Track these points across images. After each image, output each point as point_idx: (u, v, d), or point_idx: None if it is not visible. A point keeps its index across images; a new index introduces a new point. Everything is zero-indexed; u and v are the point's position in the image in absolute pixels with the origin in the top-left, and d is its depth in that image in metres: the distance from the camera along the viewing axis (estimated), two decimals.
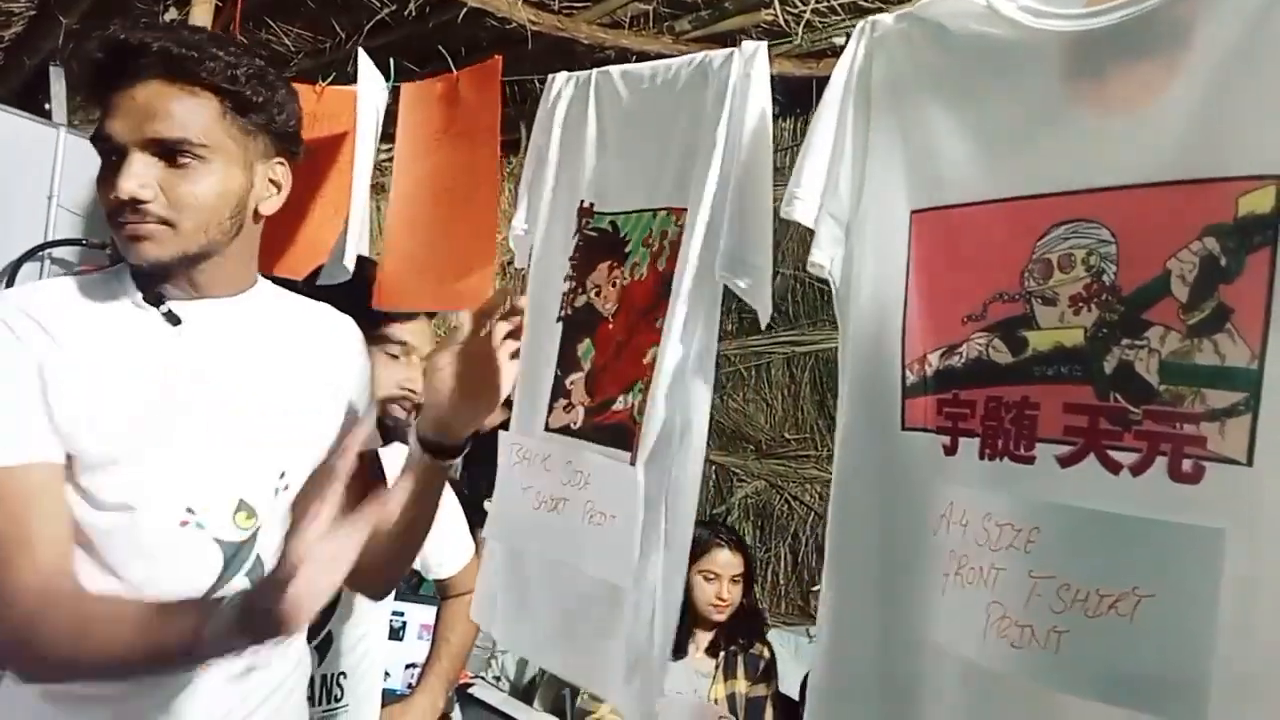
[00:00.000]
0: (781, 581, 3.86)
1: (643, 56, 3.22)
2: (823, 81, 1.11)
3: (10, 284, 2.19)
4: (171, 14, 3.18)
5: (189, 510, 1.09)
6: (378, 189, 2.68)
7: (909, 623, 1.01)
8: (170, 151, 1.04)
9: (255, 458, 1.15)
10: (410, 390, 1.53)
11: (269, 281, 1.26)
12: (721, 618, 2.56)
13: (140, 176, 1.02)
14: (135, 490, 1.07)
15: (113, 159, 1.04)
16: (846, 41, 1.09)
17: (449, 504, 1.66)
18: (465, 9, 2.92)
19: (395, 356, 1.56)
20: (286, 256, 1.75)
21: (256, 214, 1.15)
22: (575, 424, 1.15)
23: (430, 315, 1.59)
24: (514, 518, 1.20)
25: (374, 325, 1.49)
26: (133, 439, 1.07)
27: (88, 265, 2.37)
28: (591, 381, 1.16)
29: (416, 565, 1.74)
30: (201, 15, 2.52)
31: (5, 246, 2.30)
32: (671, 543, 1.14)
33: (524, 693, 2.73)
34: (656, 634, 1.16)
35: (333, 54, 3.55)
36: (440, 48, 2.76)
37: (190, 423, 1.10)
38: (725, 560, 2.59)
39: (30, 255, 2.35)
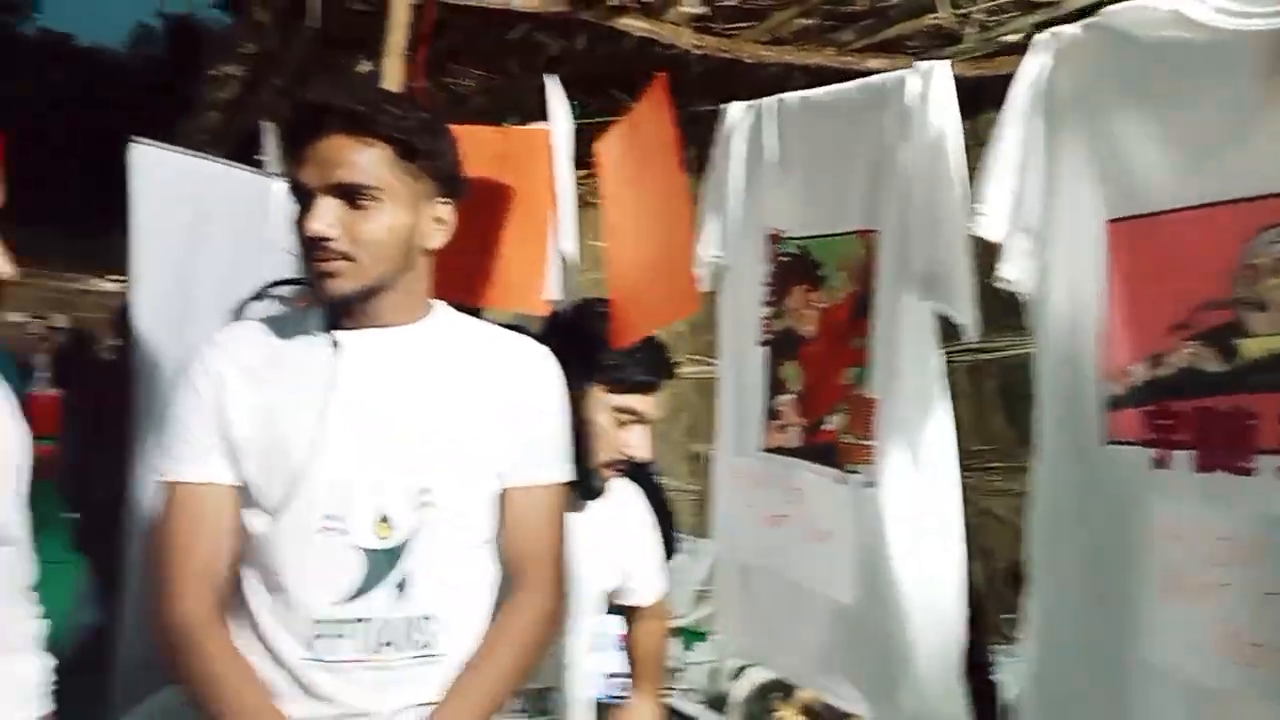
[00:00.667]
0: (975, 598, 3.73)
1: (806, 71, 3.23)
2: (995, 82, 1.10)
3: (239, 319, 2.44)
4: (365, 66, 3.45)
5: (331, 518, 1.21)
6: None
7: (1120, 641, 0.99)
8: (350, 194, 1.17)
9: (397, 474, 1.24)
10: (633, 458, 1.53)
11: (454, 312, 1.35)
12: None
13: (326, 217, 1.16)
14: (286, 501, 1.21)
15: (304, 203, 1.19)
16: (1018, 39, 1.08)
17: (648, 531, 1.65)
18: (632, 39, 3.01)
19: (624, 424, 1.58)
20: (501, 291, 1.87)
21: (425, 250, 1.26)
22: (790, 444, 1.18)
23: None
24: (739, 533, 1.24)
25: (615, 390, 1.54)
26: (289, 454, 1.22)
27: (303, 301, 2.58)
28: (802, 402, 1.19)
29: (608, 584, 1.72)
30: (392, 67, 2.72)
31: (237, 287, 2.52)
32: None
33: (716, 704, 2.77)
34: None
35: (507, 91, 3.74)
36: (611, 83, 2.87)
37: (338, 439, 1.22)
38: None
39: (257, 296, 2.57)
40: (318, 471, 1.21)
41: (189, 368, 1.27)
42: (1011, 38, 2.76)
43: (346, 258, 1.18)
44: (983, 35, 2.89)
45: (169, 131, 5.05)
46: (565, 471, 1.37)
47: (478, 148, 2.02)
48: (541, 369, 1.37)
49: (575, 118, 1.81)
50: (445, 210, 1.27)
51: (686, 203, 1.45)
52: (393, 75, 2.68)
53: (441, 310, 1.34)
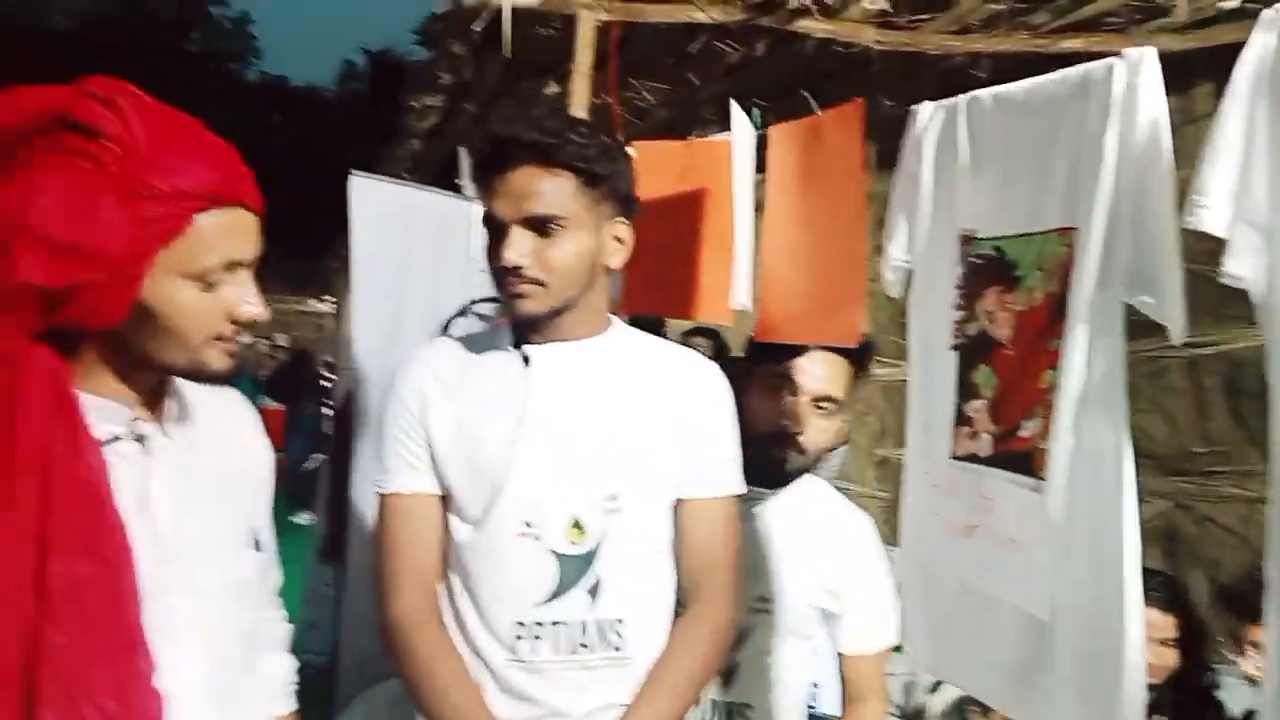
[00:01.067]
0: (1199, 614, 3.43)
1: (996, 59, 3.10)
2: (1206, 54, 1.02)
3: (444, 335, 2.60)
4: (553, 88, 3.60)
5: (526, 524, 1.28)
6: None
7: None
8: (540, 224, 1.24)
9: (587, 480, 1.30)
10: (841, 443, 1.54)
11: (627, 327, 1.42)
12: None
13: (519, 248, 1.24)
14: (485, 508, 1.29)
15: (496, 233, 1.26)
16: (1232, 6, 1.00)
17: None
18: (813, 40, 2.99)
19: (824, 409, 1.55)
20: (688, 302, 1.92)
21: (605, 268, 1.33)
22: (982, 451, 1.15)
23: (849, 360, 1.55)
24: (926, 544, 1.22)
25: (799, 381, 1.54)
26: (487, 463, 1.29)
27: (502, 319, 2.72)
28: (995, 408, 1.15)
29: (817, 600, 1.63)
30: (580, 87, 2.82)
31: (442, 304, 2.68)
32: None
33: (913, 718, 2.70)
34: (1111, 674, 1.10)
35: (689, 102, 3.79)
36: (793, 86, 2.85)
37: (533, 448, 1.29)
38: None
39: (460, 313, 2.73)
40: (514, 480, 1.28)
41: (395, 384, 1.38)
42: (1228, 4, 2.54)
43: (537, 283, 1.25)
44: (1195, 4, 2.68)
45: (374, 160, 5.45)
46: (737, 484, 1.40)
47: (663, 162, 2.08)
48: (712, 384, 1.40)
49: (758, 126, 1.83)
50: (624, 229, 1.33)
51: (860, 232, 1.44)
52: (580, 95, 2.79)
53: (618, 325, 1.41)
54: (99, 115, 0.90)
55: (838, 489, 1.66)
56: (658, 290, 2.03)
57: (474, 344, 1.40)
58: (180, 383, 1.08)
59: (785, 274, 1.63)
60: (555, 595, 1.27)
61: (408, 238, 2.49)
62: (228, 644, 1.08)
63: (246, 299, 1.01)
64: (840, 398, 1.51)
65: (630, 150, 2.04)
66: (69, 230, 0.88)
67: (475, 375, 1.35)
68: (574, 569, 1.28)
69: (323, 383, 8.39)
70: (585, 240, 1.27)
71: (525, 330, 1.33)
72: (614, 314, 1.46)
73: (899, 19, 3.02)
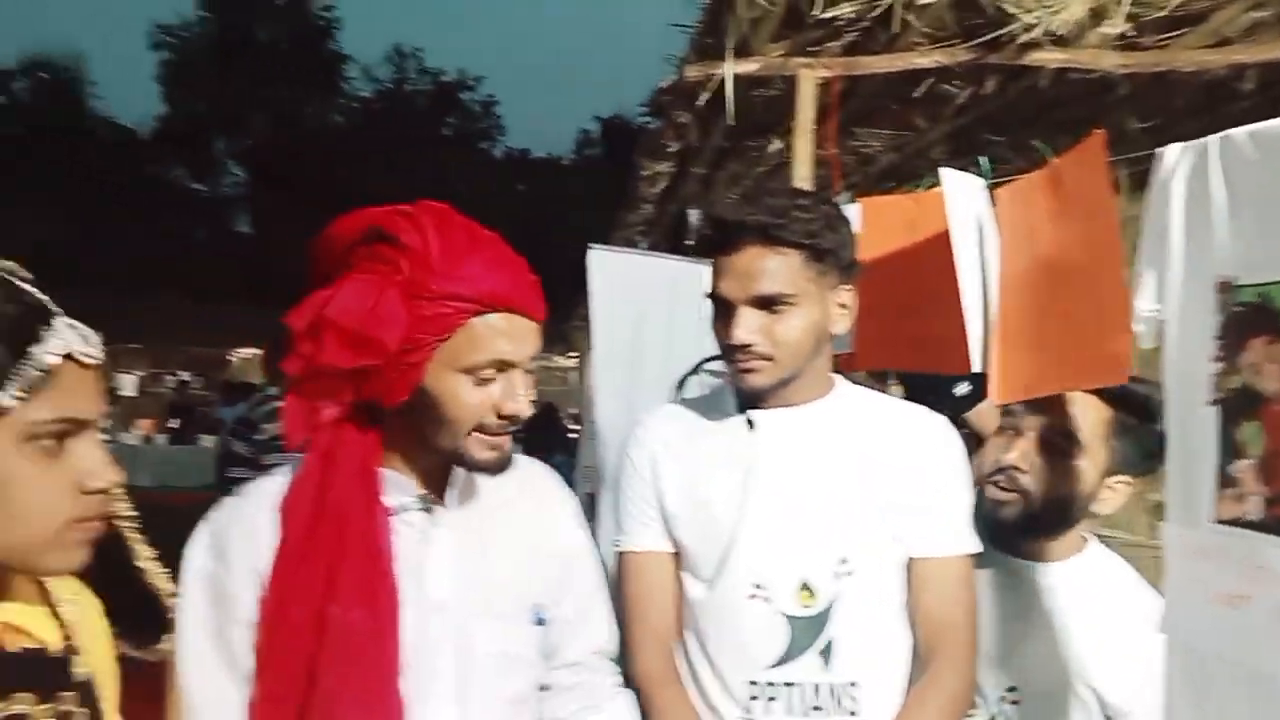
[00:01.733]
0: None
1: (1264, 70, 2.83)
2: None
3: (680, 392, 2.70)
4: (775, 144, 3.66)
5: (757, 586, 1.30)
6: None
7: None
8: (768, 303, 1.28)
9: (817, 543, 1.31)
10: (1016, 469, 1.42)
11: (853, 386, 1.43)
12: None
13: (747, 326, 1.28)
14: (717, 568, 1.32)
15: (724, 309, 1.31)
16: None
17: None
18: (1047, 72, 2.86)
19: (1002, 429, 1.49)
20: (924, 355, 1.89)
21: (830, 335, 1.35)
22: (1251, 514, 1.06)
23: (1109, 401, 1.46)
24: (1188, 614, 1.13)
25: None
26: (717, 525, 1.32)
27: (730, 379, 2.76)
28: (1265, 468, 1.05)
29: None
30: (802, 143, 2.85)
31: (676, 362, 2.78)
32: None
33: None
34: None
35: (916, 146, 3.72)
36: (1026, 123, 2.75)
37: (760, 511, 1.32)
38: None
39: (692, 371, 2.82)
40: (742, 542, 1.31)
41: (627, 448, 1.46)
42: None
43: (766, 358, 1.29)
44: None
45: (610, 222, 5.73)
46: (972, 543, 1.37)
47: (890, 216, 2.07)
48: (941, 439, 1.39)
49: (988, 175, 1.78)
50: (847, 295, 1.36)
51: (1116, 265, 1.37)
52: (803, 151, 2.83)
53: (842, 385, 1.42)
54: (401, 228, 1.05)
55: (1102, 539, 1.55)
56: (891, 346, 2.01)
57: (701, 407, 1.46)
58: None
59: (1025, 327, 1.57)
60: (786, 657, 1.29)
61: (643, 301, 2.63)
62: (488, 707, 1.15)
63: (512, 396, 1.11)
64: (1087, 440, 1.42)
65: (854, 207, 2.05)
66: (355, 321, 1.03)
67: (702, 439, 1.40)
68: (805, 631, 1.29)
69: (569, 435, 8.81)
70: (812, 313, 1.30)
71: (750, 398, 1.37)
72: (845, 371, 1.48)
73: (1144, 39, 2.84)
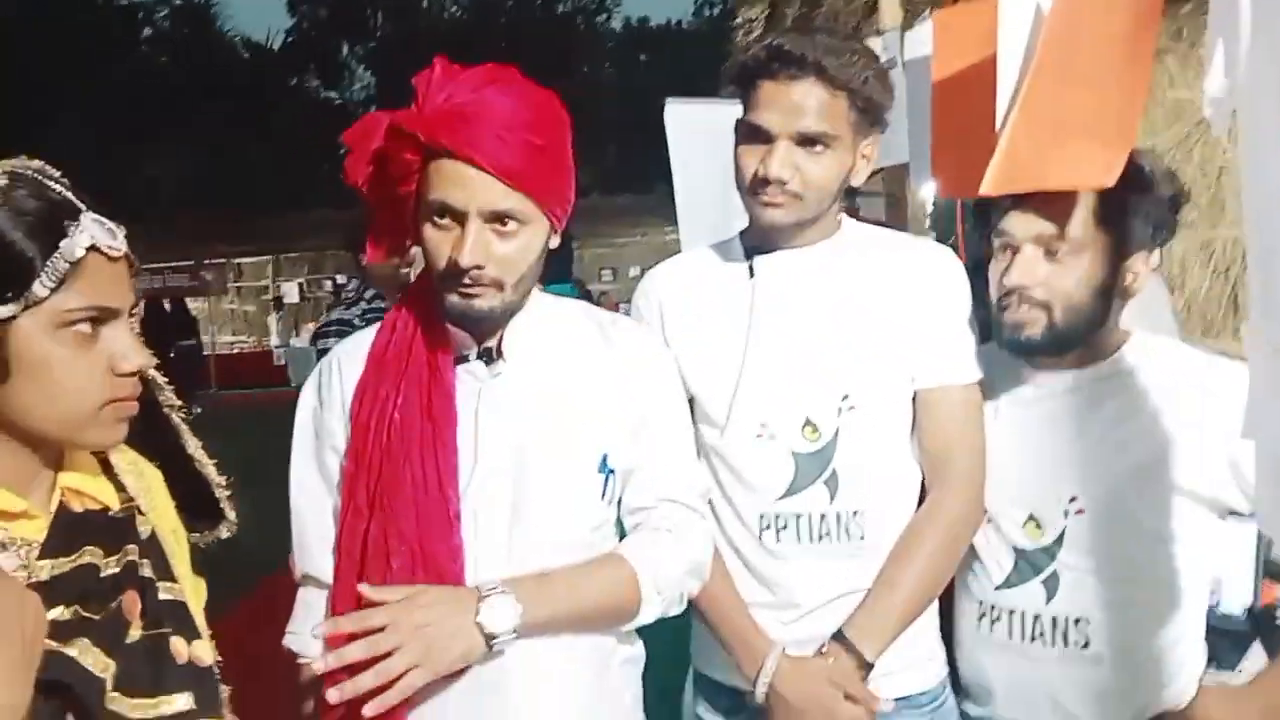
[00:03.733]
0: None
1: None
2: None
3: None
4: None
5: (762, 425, 1.34)
6: None
7: None
8: (808, 141, 1.28)
9: (819, 381, 1.33)
10: (1023, 287, 1.31)
11: (858, 225, 1.43)
12: None
13: (783, 160, 1.28)
14: (723, 412, 1.35)
15: (755, 140, 1.31)
16: None
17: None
18: None
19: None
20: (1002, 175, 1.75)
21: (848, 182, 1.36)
22: None
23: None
24: (1273, 414, 1.03)
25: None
26: (720, 371, 1.35)
27: None
28: None
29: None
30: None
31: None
32: None
33: None
34: None
35: None
36: None
37: (763, 354, 1.34)
38: None
39: None
40: (745, 386, 1.34)
41: (635, 300, 1.50)
42: None
43: (795, 196, 1.30)
44: None
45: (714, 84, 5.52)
46: (976, 371, 1.36)
47: (970, 29, 1.89)
48: (946, 269, 1.38)
49: None
50: (871, 149, 1.37)
51: (1149, 47, 1.24)
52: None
53: (848, 225, 1.42)
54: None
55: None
56: (973, 169, 1.88)
57: (707, 255, 1.47)
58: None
59: (1041, 118, 1.41)
60: (792, 490, 1.33)
61: (723, 149, 2.54)
62: (539, 544, 1.19)
63: (459, 248, 1.12)
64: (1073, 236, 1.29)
65: (926, 25, 1.89)
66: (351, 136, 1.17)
67: (705, 287, 1.42)
68: (810, 465, 1.33)
69: None
70: (845, 159, 1.32)
71: (758, 238, 1.39)
72: (933, 201, 1.47)
73: None
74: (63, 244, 0.82)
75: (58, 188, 0.85)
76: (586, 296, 3.73)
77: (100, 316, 0.85)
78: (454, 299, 1.15)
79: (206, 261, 16.17)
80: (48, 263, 0.81)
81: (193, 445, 1.06)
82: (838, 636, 1.31)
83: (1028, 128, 1.40)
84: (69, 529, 0.89)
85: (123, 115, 22.71)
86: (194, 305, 15.56)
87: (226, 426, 4.63)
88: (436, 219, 1.12)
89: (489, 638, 1.08)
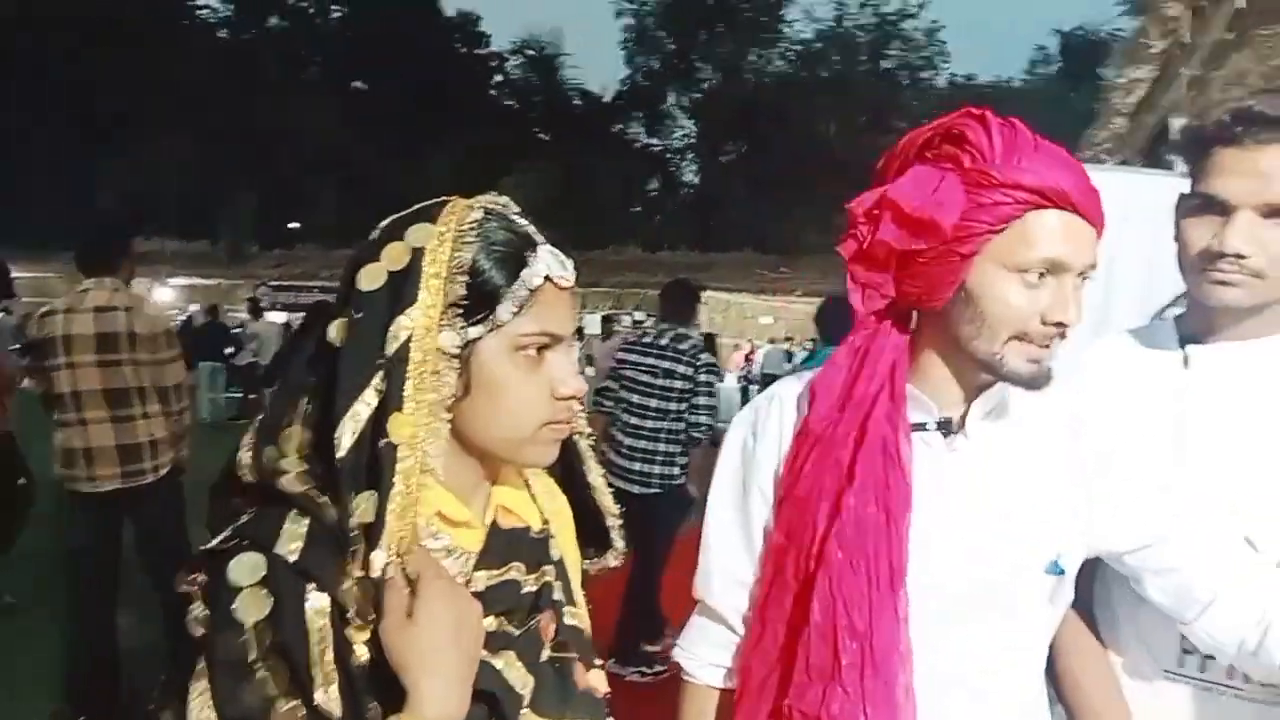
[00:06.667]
0: None
1: None
2: None
3: None
4: None
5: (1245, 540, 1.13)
6: None
7: None
8: (1277, 213, 1.11)
9: (1257, 493, 1.15)
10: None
11: None
12: None
13: (1246, 233, 1.11)
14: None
15: (1208, 211, 1.14)
16: None
17: None
18: None
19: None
20: None
21: None
22: None
23: None
24: None
25: None
26: (1145, 470, 1.15)
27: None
28: None
29: None
30: None
31: (1155, 292, 2.46)
32: None
33: None
34: None
35: None
36: None
37: (1197, 458, 1.17)
38: None
39: (1174, 302, 2.46)
40: (1178, 485, 1.16)
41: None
42: None
43: (1256, 275, 1.14)
44: None
45: (1071, 144, 5.15)
46: None
47: None
48: None
49: None
50: None
51: None
52: None
53: None
54: (968, 126, 1.04)
55: None
56: None
57: (1128, 340, 1.32)
58: (1009, 388, 1.11)
59: None
60: None
61: (1119, 220, 2.32)
62: (983, 640, 1.10)
63: (1061, 303, 1.01)
64: None
65: None
66: (914, 202, 1.03)
67: (1125, 376, 1.27)
68: None
69: None
70: None
71: (1198, 324, 1.23)
72: None
73: None
74: (524, 273, 0.86)
75: (521, 221, 0.91)
76: None
77: (548, 342, 0.88)
78: (1024, 365, 1.05)
79: None
80: (511, 289, 0.85)
81: (595, 474, 1.06)
82: None
83: None
84: (500, 543, 0.92)
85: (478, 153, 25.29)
86: None
87: None
88: (1032, 275, 1.02)
89: None
